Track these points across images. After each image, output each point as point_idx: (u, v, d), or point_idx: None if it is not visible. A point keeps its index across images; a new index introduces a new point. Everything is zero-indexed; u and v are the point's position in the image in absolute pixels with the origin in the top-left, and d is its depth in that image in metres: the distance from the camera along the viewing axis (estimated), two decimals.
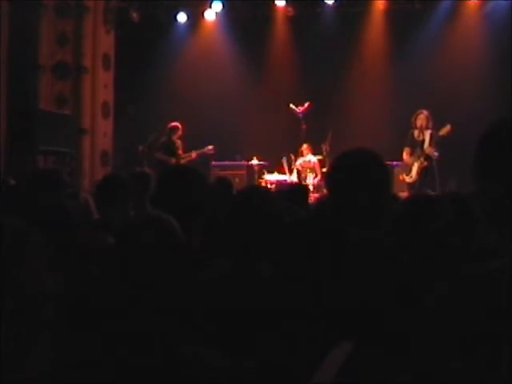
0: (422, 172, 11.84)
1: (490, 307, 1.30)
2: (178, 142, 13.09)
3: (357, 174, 3.08)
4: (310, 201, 6.98)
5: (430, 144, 11.80)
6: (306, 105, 13.54)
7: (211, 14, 15.70)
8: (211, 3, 15.37)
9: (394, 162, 12.02)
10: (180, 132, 13.06)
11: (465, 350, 1.51)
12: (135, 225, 2.86)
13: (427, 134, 11.85)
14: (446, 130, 11.65)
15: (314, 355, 2.30)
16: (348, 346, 2.31)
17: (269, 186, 13.19)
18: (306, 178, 13.42)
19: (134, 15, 15.01)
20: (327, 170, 3.30)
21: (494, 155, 2.11)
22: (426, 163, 11.82)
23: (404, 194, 9.48)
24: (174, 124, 13.06)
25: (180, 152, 13.03)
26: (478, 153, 2.14)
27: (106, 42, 14.34)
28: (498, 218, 2.02)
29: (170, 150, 12.93)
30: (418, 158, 11.86)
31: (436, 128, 11.82)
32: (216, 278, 3.00)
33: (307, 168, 13.54)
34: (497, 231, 2.16)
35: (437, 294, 2.16)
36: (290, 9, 15.51)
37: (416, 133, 11.94)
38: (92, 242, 3.73)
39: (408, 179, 11.90)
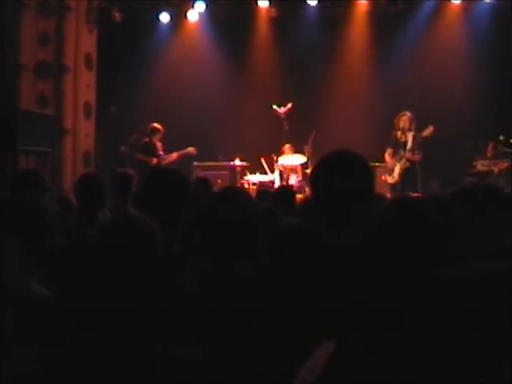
0: (404, 173, 11.89)
1: (472, 309, 1.30)
2: (159, 144, 13.06)
3: (341, 175, 3.09)
4: (294, 202, 6.96)
5: (412, 145, 11.84)
6: (289, 105, 13.55)
7: (194, 15, 15.64)
8: (194, 4, 15.32)
9: (376, 163, 12.04)
10: (161, 133, 13.03)
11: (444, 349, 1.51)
12: (114, 226, 2.85)
13: (410, 136, 11.91)
14: (428, 131, 11.70)
15: (295, 355, 2.29)
16: (331, 346, 2.30)
17: (251, 186, 13.20)
18: (288, 178, 13.42)
19: (117, 15, 14.94)
20: (311, 171, 3.29)
21: None
22: (407, 164, 11.87)
23: (387, 195, 9.50)
24: (155, 125, 13.03)
25: (161, 153, 13.00)
26: None
27: (89, 41, 14.25)
28: None
29: (151, 151, 12.90)
30: (400, 159, 11.91)
31: (419, 129, 11.87)
32: (194, 278, 2.99)
33: (289, 169, 13.55)
34: None
35: (418, 296, 2.16)
36: (272, 10, 15.50)
37: (398, 134, 12.00)
38: (70, 243, 3.71)
39: (390, 180, 11.95)
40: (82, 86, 14.05)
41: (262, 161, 13.64)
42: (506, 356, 1.31)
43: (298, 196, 11.62)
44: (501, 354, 1.31)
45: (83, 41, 14.05)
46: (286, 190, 7.32)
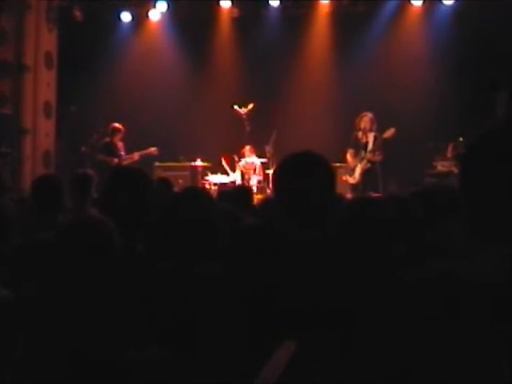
0: (365, 173, 11.95)
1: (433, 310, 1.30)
2: (120, 144, 12.99)
3: (303, 175, 3.10)
4: (253, 202, 6.97)
5: (373, 146, 11.91)
6: (250, 106, 13.56)
7: (156, 14, 15.58)
8: (155, 3, 15.25)
9: (338, 164, 12.08)
10: (122, 133, 12.96)
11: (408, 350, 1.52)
12: (71, 227, 2.82)
13: (371, 137, 11.98)
14: (390, 132, 11.78)
15: (256, 355, 2.29)
16: (292, 347, 2.30)
17: (212, 186, 13.19)
18: (249, 179, 13.44)
19: (78, 14, 14.81)
20: (273, 172, 3.30)
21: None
22: (368, 165, 11.93)
23: (347, 196, 9.55)
24: (115, 125, 12.96)
25: (122, 153, 12.93)
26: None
27: (49, 40, 14.14)
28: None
29: (112, 151, 12.82)
30: (361, 160, 11.97)
31: (380, 130, 11.94)
32: (155, 279, 2.98)
33: (250, 169, 13.56)
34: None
35: (377, 296, 2.17)
36: (235, 10, 15.48)
37: (359, 135, 12.06)
38: (28, 243, 3.68)
39: (351, 180, 12.01)
40: (42, 86, 13.94)
41: (223, 161, 13.64)
42: (496, 356, 1.32)
43: (259, 196, 11.66)
44: (475, 355, 1.32)
45: (43, 40, 13.93)
46: (244, 190, 7.31)
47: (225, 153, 13.69)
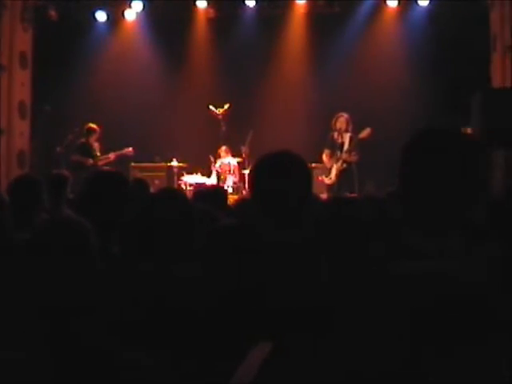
0: (341, 174, 11.99)
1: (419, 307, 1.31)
2: (96, 144, 12.93)
3: (279, 175, 3.10)
4: (228, 202, 6.96)
5: (349, 147, 11.95)
6: (226, 106, 13.57)
7: (131, 14, 15.52)
8: (131, 3, 15.19)
9: (314, 164, 12.09)
10: (98, 133, 12.90)
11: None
12: (46, 227, 2.81)
13: (347, 137, 12.01)
14: (365, 132, 11.82)
15: (232, 356, 2.29)
16: (267, 347, 2.30)
17: (188, 187, 13.17)
18: (225, 179, 13.43)
19: (53, 13, 14.72)
20: (250, 172, 3.30)
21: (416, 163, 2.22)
22: (344, 165, 11.97)
23: (323, 196, 9.57)
24: (91, 125, 12.88)
25: (98, 154, 12.86)
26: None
27: (24, 40, 14.04)
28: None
29: (87, 151, 12.75)
30: (338, 160, 12.00)
31: (355, 131, 11.98)
32: (131, 280, 2.97)
33: (226, 170, 13.55)
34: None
35: (353, 296, 2.17)
36: (210, 10, 15.47)
37: (335, 135, 12.09)
38: (2, 244, 3.65)
39: (327, 181, 12.03)
40: (17, 85, 13.85)
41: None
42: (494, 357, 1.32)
43: (235, 197, 11.66)
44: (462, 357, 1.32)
45: (18, 39, 13.84)
46: (219, 190, 7.28)
47: (201, 153, 13.69)
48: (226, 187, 12.43)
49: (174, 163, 13.85)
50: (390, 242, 2.88)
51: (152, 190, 7.88)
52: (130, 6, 15.32)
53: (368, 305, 1.54)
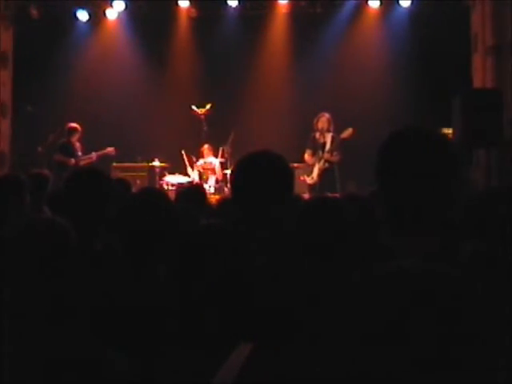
0: (323, 174, 12.01)
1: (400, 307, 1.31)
2: (78, 144, 12.88)
3: (261, 175, 3.10)
4: (208, 202, 6.96)
5: (331, 146, 11.96)
6: (208, 106, 13.57)
7: (113, 13, 15.47)
8: (112, 2, 15.15)
9: (296, 164, 12.10)
10: (79, 133, 12.85)
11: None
12: (24, 227, 2.79)
13: (328, 137, 12.02)
14: (347, 132, 11.85)
15: (214, 356, 2.29)
16: (249, 347, 2.30)
17: (169, 187, 13.15)
18: (207, 179, 13.42)
19: (34, 12, 14.66)
20: (232, 172, 3.30)
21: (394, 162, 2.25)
22: (326, 165, 11.99)
23: (305, 196, 9.58)
24: (72, 125, 12.83)
25: (79, 153, 12.82)
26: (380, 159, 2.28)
27: (4, 39, 13.98)
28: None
29: (69, 151, 12.70)
30: (319, 160, 12.01)
31: (337, 130, 12.00)
32: (115, 279, 2.97)
33: (208, 169, 13.55)
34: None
35: (333, 297, 2.18)
36: (193, 10, 15.45)
37: (317, 135, 12.10)
38: None
39: (309, 180, 12.05)
40: None
41: (184, 155, 13.58)
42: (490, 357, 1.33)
43: (217, 196, 11.66)
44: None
45: None
46: (198, 189, 7.27)
47: (183, 153, 13.66)
48: (208, 187, 12.44)
49: (156, 163, 13.84)
50: (371, 241, 2.89)
51: (134, 189, 7.87)
52: (111, 6, 15.27)
53: (349, 304, 1.54)
